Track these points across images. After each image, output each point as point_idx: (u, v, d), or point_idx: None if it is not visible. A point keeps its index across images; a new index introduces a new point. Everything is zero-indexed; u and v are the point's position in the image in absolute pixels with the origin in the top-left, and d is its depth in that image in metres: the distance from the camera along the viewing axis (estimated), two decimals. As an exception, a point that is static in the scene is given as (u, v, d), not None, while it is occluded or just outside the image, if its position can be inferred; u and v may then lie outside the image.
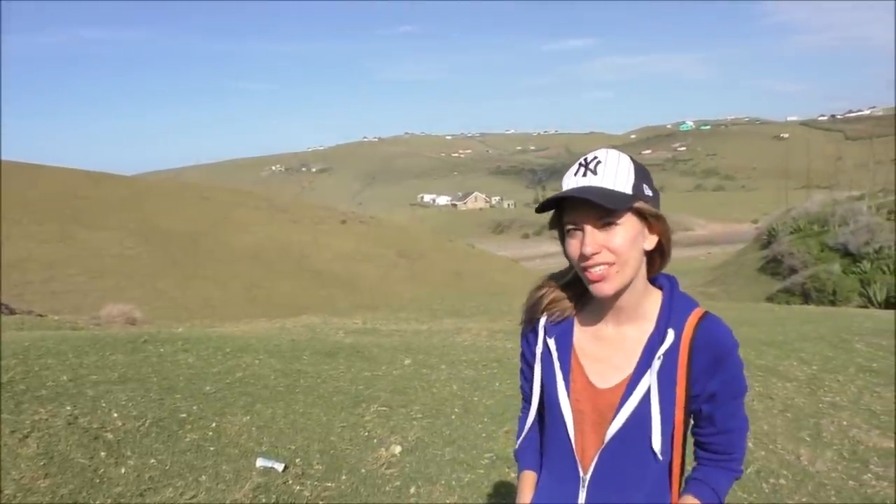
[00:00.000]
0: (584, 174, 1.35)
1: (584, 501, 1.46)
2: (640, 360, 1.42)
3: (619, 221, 1.34)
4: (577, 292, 1.50)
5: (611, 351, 1.46)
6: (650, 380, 1.39)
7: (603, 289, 1.36)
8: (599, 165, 1.35)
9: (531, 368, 1.59)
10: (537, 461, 1.63)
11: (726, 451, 1.48)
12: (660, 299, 1.46)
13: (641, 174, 1.37)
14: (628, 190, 1.34)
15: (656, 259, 1.45)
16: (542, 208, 1.40)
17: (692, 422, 1.49)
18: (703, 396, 1.42)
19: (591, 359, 1.48)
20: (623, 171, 1.35)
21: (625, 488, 1.44)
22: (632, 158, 1.39)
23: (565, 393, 1.48)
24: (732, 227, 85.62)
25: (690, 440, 1.52)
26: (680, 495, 1.49)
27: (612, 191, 1.32)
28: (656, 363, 1.39)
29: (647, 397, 1.40)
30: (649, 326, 1.44)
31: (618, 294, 1.40)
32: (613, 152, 1.38)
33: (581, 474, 1.47)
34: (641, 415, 1.40)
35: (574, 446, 1.47)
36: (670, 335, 1.40)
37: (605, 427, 1.43)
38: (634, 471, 1.44)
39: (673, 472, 1.47)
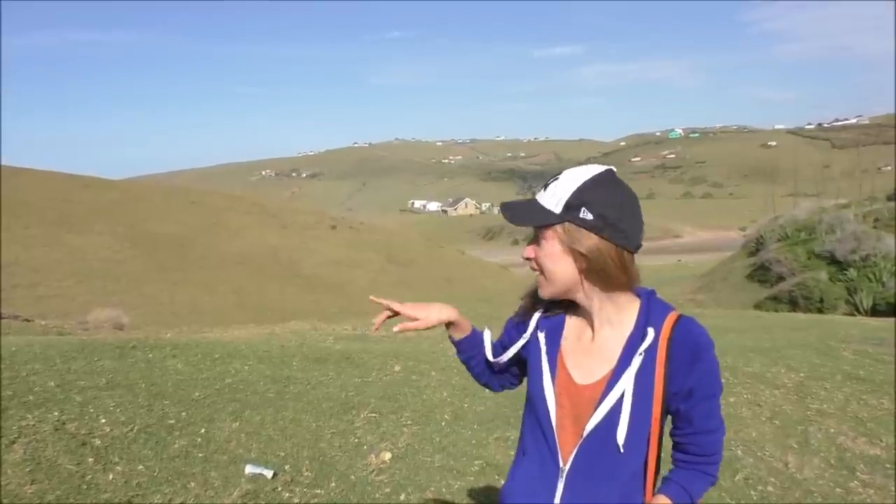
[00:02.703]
0: (544, 188, 1.47)
1: (561, 491, 1.51)
2: (621, 358, 1.47)
3: (543, 237, 1.45)
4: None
5: (592, 352, 1.52)
6: (630, 376, 1.44)
7: (541, 292, 1.52)
8: (552, 183, 1.45)
9: (510, 343, 1.69)
10: (480, 340, 1.77)
11: (703, 453, 1.51)
12: (638, 306, 1.51)
13: (590, 198, 1.40)
14: (557, 210, 1.41)
15: (596, 279, 1.45)
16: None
17: (672, 424, 1.53)
18: (680, 394, 1.45)
19: (573, 357, 1.54)
20: (562, 192, 1.42)
21: (601, 482, 1.48)
22: (594, 183, 1.41)
23: (551, 386, 1.53)
24: (720, 235, 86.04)
25: (668, 442, 1.55)
26: (654, 494, 1.52)
27: (535, 208, 1.45)
28: (637, 359, 1.44)
29: (626, 393, 1.45)
30: (629, 329, 1.49)
31: (599, 300, 1.48)
32: (580, 175, 1.43)
33: (560, 465, 1.51)
34: (619, 411, 1.44)
35: (556, 438, 1.52)
36: (650, 333, 1.45)
37: (584, 422, 1.47)
38: (611, 465, 1.47)
39: (648, 468, 1.50)
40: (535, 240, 1.48)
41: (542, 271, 1.48)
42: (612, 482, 1.48)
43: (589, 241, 1.41)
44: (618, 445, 1.45)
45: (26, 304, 15.74)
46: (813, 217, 21.98)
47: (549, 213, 1.42)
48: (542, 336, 1.59)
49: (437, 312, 1.69)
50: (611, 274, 1.44)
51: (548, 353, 1.56)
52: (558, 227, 1.42)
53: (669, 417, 1.52)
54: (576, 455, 1.49)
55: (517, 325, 1.69)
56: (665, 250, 68.33)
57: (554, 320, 1.59)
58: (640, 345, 1.45)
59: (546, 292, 1.50)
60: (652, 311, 1.49)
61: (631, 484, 1.49)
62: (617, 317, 1.49)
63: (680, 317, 1.48)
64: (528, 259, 1.50)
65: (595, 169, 1.44)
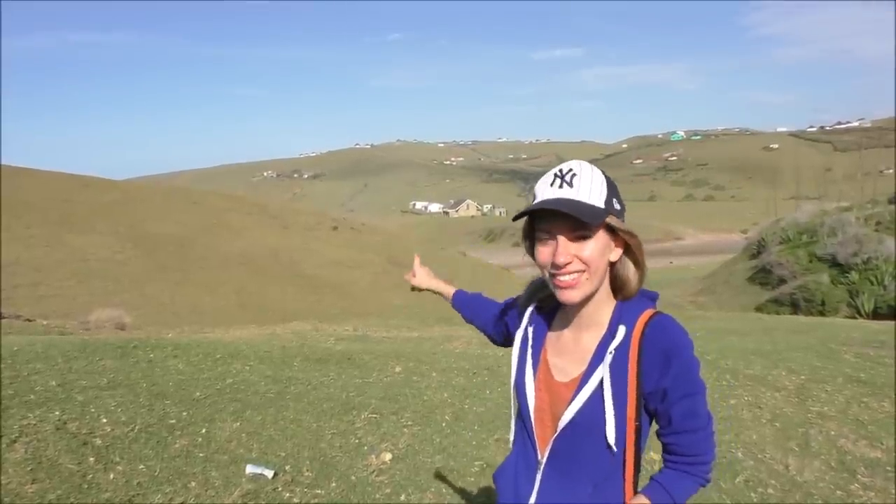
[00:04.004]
0: (561, 185, 1.41)
1: (539, 483, 1.55)
2: (593, 358, 1.48)
3: (590, 234, 1.39)
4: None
5: (568, 352, 1.53)
6: (601, 374, 1.44)
7: (571, 296, 1.42)
8: (575, 178, 1.41)
9: (502, 317, 1.87)
10: (467, 300, 2.09)
11: (689, 454, 1.49)
12: (615, 305, 1.51)
13: (612, 189, 1.44)
14: (601, 204, 1.40)
15: (629, 271, 1.48)
16: (520, 217, 1.46)
17: (657, 425, 1.53)
18: (656, 395, 1.45)
19: (554, 354, 1.56)
20: (597, 186, 1.41)
21: (575, 475, 1.51)
22: (603, 173, 1.45)
23: (532, 380, 1.56)
24: (722, 237, 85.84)
25: (653, 439, 1.56)
26: (635, 494, 1.52)
27: (588, 204, 1.38)
28: (608, 357, 1.44)
29: (598, 391, 1.45)
30: (604, 329, 1.50)
31: (582, 302, 1.46)
32: (587, 165, 1.44)
33: (538, 458, 1.55)
34: (592, 408, 1.45)
35: (535, 432, 1.55)
36: (621, 331, 1.45)
37: (559, 418, 1.49)
38: (585, 460, 1.49)
39: (626, 465, 1.50)
40: (566, 240, 1.40)
41: (584, 270, 1.40)
42: (585, 478, 1.50)
43: (628, 233, 1.44)
44: (591, 442, 1.47)
45: (28, 304, 15.75)
46: (814, 220, 21.96)
47: (599, 208, 1.39)
48: (531, 330, 1.61)
49: (421, 280, 2.18)
50: (642, 263, 1.48)
51: (533, 346, 1.59)
52: (606, 221, 1.41)
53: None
54: (551, 450, 1.52)
55: (518, 313, 1.72)
56: (667, 252, 68.24)
57: (543, 315, 1.62)
58: (611, 343, 1.45)
59: (583, 292, 1.42)
60: (626, 309, 1.49)
61: (608, 481, 1.50)
62: (598, 316, 1.50)
63: (654, 314, 1.47)
64: (566, 263, 1.39)
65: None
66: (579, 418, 1.46)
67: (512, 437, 1.68)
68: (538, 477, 1.54)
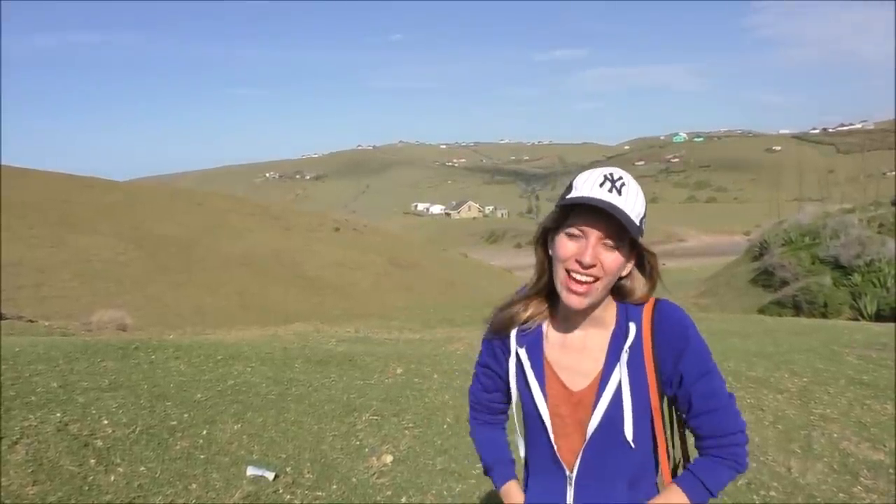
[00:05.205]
0: (611, 190, 1.39)
1: (572, 498, 1.53)
2: (608, 358, 1.48)
3: (620, 245, 1.40)
4: (548, 303, 1.57)
5: (578, 357, 1.52)
6: (620, 373, 1.45)
7: (579, 302, 1.42)
8: (624, 188, 1.40)
9: (491, 379, 1.69)
10: (513, 470, 1.73)
11: (714, 434, 1.47)
12: (615, 305, 1.52)
13: (646, 207, 1.45)
14: (637, 221, 1.40)
15: (637, 283, 1.50)
16: (568, 205, 1.41)
17: (681, 412, 1.52)
18: (674, 381, 1.46)
19: (562, 365, 1.54)
20: (640, 202, 1.42)
21: (609, 479, 1.50)
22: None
23: (542, 400, 1.53)
24: (724, 239, 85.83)
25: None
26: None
27: (631, 218, 1.38)
28: (624, 356, 1.45)
29: (619, 391, 1.45)
30: (611, 327, 1.50)
31: (601, 307, 1.48)
32: (632, 179, 1.44)
33: (567, 473, 1.53)
34: (617, 408, 1.45)
35: (556, 449, 1.53)
36: (632, 328, 1.47)
37: (585, 426, 1.48)
38: (617, 462, 1.49)
39: (659, 458, 1.51)
40: (596, 242, 1.39)
41: (601, 277, 1.40)
42: (619, 478, 1.50)
43: (648, 250, 1.47)
44: (621, 442, 1.47)
45: (30, 305, 15.77)
46: (817, 222, 21.91)
47: (636, 224, 1.40)
48: (522, 352, 1.57)
49: None
50: (654, 275, 1.49)
51: (533, 367, 1.55)
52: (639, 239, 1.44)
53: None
54: (581, 459, 1.50)
55: (494, 351, 1.66)
56: (670, 254, 68.14)
57: (531, 334, 1.57)
58: (625, 342, 1.46)
59: (592, 299, 1.42)
60: (629, 305, 1.50)
61: (640, 477, 1.51)
62: (603, 318, 1.50)
63: (657, 302, 1.49)
64: (591, 265, 1.39)
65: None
66: (606, 420, 1.46)
67: (528, 466, 1.67)
68: (570, 491, 1.53)
